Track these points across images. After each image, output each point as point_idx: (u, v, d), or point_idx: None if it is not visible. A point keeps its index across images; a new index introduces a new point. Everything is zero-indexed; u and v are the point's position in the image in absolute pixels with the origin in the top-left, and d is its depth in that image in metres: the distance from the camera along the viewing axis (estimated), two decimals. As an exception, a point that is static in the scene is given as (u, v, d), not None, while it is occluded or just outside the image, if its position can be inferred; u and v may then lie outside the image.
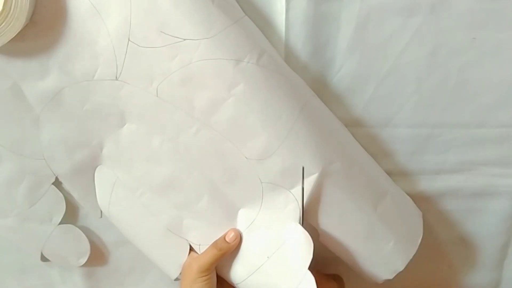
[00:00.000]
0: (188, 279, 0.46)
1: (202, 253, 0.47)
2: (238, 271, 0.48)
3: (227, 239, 0.47)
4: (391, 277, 0.50)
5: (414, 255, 0.51)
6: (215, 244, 0.47)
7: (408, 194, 0.52)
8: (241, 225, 0.48)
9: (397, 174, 0.52)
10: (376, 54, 0.47)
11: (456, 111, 0.49)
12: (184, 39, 0.42)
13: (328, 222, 0.48)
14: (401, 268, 0.50)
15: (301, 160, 0.45)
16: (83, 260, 0.54)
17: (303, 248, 0.45)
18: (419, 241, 0.50)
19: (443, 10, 0.45)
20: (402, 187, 0.52)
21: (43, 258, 0.53)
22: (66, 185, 0.50)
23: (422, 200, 0.53)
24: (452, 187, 0.53)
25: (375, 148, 0.51)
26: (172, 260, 0.50)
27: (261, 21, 0.46)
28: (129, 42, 0.43)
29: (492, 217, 0.54)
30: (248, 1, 0.45)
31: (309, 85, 0.48)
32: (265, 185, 0.46)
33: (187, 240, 0.49)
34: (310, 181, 0.46)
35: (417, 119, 0.50)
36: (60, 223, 0.52)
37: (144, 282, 0.57)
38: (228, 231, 0.48)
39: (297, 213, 0.46)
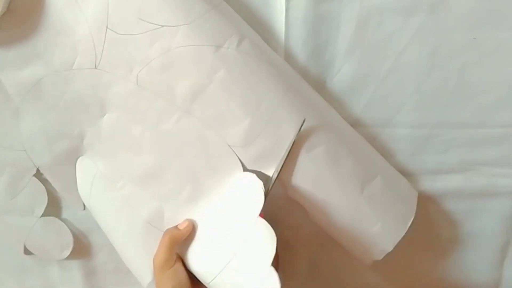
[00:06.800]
0: (155, 275, 0.45)
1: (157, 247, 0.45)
2: (208, 269, 0.45)
3: (179, 227, 0.46)
4: (379, 258, 0.49)
5: (415, 255, 0.51)
6: (165, 232, 0.45)
7: (408, 194, 0.52)
8: (213, 217, 0.46)
9: (397, 174, 0.52)
10: (376, 54, 0.47)
11: (456, 111, 0.49)
12: (162, 26, 0.41)
13: (312, 204, 0.47)
14: (390, 249, 0.48)
15: (284, 144, 0.44)
16: (67, 252, 0.53)
17: (265, 244, 0.42)
18: (410, 222, 0.49)
19: (443, 10, 0.45)
20: (402, 187, 0.52)
21: (26, 251, 0.53)
22: (48, 177, 0.49)
23: (422, 200, 0.53)
24: (452, 187, 0.53)
25: (375, 148, 0.51)
26: (151, 255, 0.47)
27: (261, 21, 0.46)
28: (108, 29, 0.42)
29: (492, 217, 0.54)
30: (247, 1, 0.45)
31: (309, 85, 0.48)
32: (246, 173, 0.45)
33: None
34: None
35: (417, 119, 0.50)
36: (42, 215, 0.51)
37: (144, 282, 0.57)
38: (182, 221, 0.46)
39: (260, 203, 0.43)
